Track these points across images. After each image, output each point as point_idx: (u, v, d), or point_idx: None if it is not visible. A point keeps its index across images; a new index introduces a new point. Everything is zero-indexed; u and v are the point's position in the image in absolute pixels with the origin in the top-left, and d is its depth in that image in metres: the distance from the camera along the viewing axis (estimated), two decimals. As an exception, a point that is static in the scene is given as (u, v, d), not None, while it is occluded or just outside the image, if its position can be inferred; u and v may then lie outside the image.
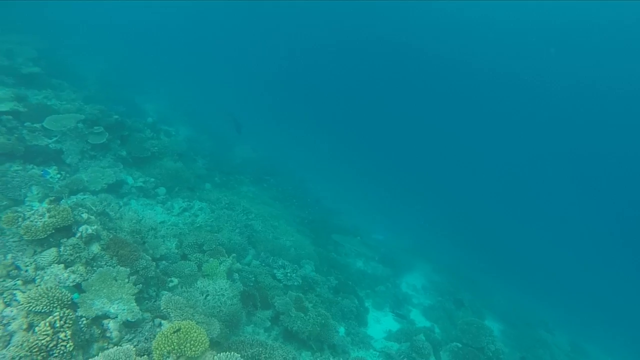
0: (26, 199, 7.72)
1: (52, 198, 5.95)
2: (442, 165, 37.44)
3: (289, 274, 9.49)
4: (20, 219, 5.77)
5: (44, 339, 4.21)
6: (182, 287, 6.69)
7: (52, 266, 5.44)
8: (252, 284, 8.18)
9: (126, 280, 5.23)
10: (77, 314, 4.67)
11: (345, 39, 49.50)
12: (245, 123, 27.43)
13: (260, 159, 20.82)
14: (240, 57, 43.08)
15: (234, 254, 8.00)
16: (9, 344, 4.37)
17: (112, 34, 32.41)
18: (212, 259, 7.53)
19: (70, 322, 4.42)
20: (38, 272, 5.44)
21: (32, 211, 5.92)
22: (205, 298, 6.49)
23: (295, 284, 9.45)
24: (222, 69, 39.02)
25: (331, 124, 36.72)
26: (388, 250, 17.80)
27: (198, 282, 6.81)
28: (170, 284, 6.83)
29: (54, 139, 9.45)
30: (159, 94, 24.52)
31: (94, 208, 7.09)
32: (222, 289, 6.79)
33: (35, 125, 9.48)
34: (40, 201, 7.83)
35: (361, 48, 49.30)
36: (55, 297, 4.63)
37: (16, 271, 5.38)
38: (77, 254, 5.68)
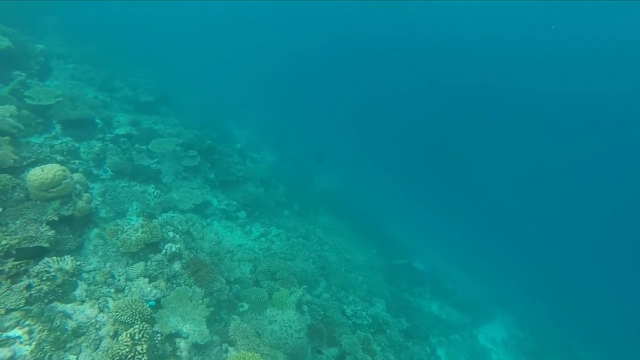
0: (127, 213, 8.57)
1: (145, 215, 6.45)
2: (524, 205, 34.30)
3: (358, 312, 9.14)
4: (119, 232, 6.35)
5: (124, 349, 4.46)
6: (251, 314, 6.76)
7: (139, 279, 5.86)
8: (320, 318, 8.00)
9: (200, 301, 5.42)
10: (154, 329, 4.90)
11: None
12: (327, 153, 28.08)
13: (339, 189, 20.95)
14: (331, 92, 44.64)
15: (305, 286, 7.94)
16: (97, 347, 4.72)
17: (212, 66, 35.86)
18: (283, 288, 7.55)
19: (147, 336, 4.65)
20: (128, 282, 5.89)
21: (129, 226, 6.50)
22: (273, 328, 6.46)
23: (365, 322, 9.06)
24: (311, 99, 40.67)
25: (410, 161, 35.93)
26: (464, 295, 16.44)
27: (267, 311, 6.83)
28: (241, 309, 6.95)
29: (155, 160, 10.48)
30: (249, 120, 26.24)
31: (180, 227, 7.60)
32: (290, 320, 6.72)
33: (142, 147, 10.64)
34: (138, 216, 8.63)
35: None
36: (137, 310, 4.93)
37: (111, 279, 5.89)
38: (161, 270, 6.06)
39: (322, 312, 8.18)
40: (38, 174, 5.62)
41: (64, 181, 5.84)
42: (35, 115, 9.48)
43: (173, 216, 8.86)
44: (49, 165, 5.81)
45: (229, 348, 5.36)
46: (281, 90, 39.52)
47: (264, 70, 43.47)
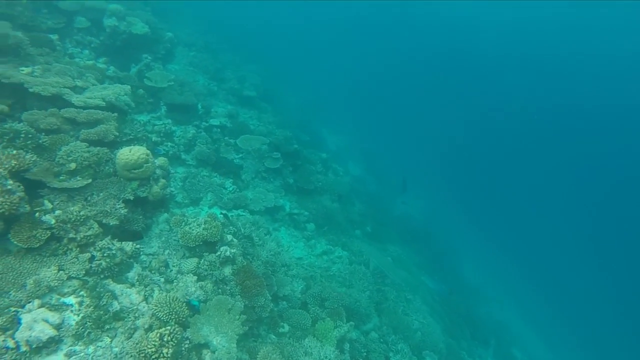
0: (201, 202, 8.89)
1: (209, 219, 6.51)
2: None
3: (405, 364, 8.30)
4: (183, 223, 6.50)
5: (150, 348, 4.43)
6: (289, 338, 6.45)
7: (188, 275, 5.89)
8: (360, 361, 7.39)
9: (237, 316, 5.24)
10: (185, 334, 4.82)
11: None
12: (416, 175, 26.91)
13: (417, 218, 19.81)
14: (431, 108, 42.93)
15: (352, 322, 7.39)
16: (130, 337, 4.79)
17: (318, 67, 36.62)
18: (329, 319, 7.11)
19: (176, 340, 4.56)
20: (178, 276, 5.97)
21: (194, 219, 6.62)
22: (306, 361, 6.06)
23: (409, 381, 8.20)
24: (409, 114, 39.49)
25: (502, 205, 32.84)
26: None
27: (306, 340, 6.45)
28: (281, 330, 6.68)
29: (240, 155, 10.78)
30: (344, 127, 26.21)
31: (242, 230, 7.60)
32: (326, 357, 6.26)
33: (231, 140, 11.04)
34: (210, 207, 8.90)
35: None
36: (175, 310, 4.90)
37: (164, 268, 6.03)
38: (211, 272, 6.04)
39: (365, 354, 7.54)
40: (125, 154, 5.96)
41: (145, 165, 6.12)
42: (148, 95, 10.37)
43: (242, 215, 8.97)
44: (136, 147, 6.14)
45: (253, 375, 5.11)
46: (381, 101, 38.97)
47: (367, 77, 43.34)
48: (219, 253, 6.26)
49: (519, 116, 44.47)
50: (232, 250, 6.38)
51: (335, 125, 25.43)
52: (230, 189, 9.56)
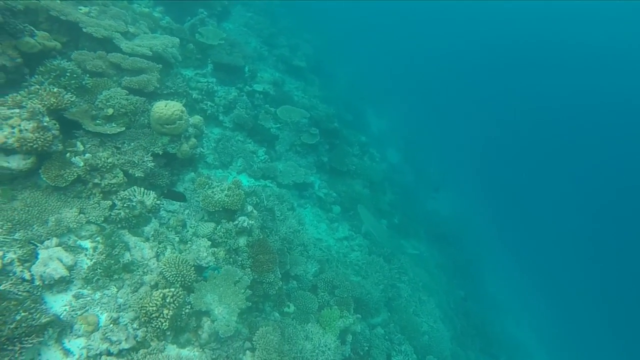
0: (230, 167, 8.86)
1: (233, 186, 6.41)
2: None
3: (405, 366, 8.11)
4: (207, 186, 6.47)
5: (152, 306, 4.46)
6: (292, 319, 6.38)
7: (203, 239, 5.88)
8: (361, 354, 7.26)
9: (242, 290, 5.17)
10: (188, 298, 4.82)
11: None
12: (455, 169, 25.82)
13: (447, 216, 19.11)
14: (479, 103, 40.71)
15: (358, 315, 7.23)
16: (136, 291, 4.85)
17: (375, 46, 35.39)
18: (336, 307, 6.97)
19: (177, 304, 4.57)
20: (193, 238, 5.97)
21: (218, 183, 6.57)
22: (305, 346, 5.98)
23: (406, 383, 8.02)
24: (458, 106, 37.73)
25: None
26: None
27: (309, 325, 6.36)
28: (286, 309, 6.62)
29: (278, 125, 10.61)
30: (390, 111, 25.40)
31: (265, 202, 7.50)
32: (326, 345, 6.15)
33: (271, 109, 10.86)
34: (239, 173, 8.85)
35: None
36: (182, 273, 4.90)
37: (181, 228, 6.05)
38: (225, 240, 6.00)
39: (367, 349, 7.40)
40: (160, 108, 5.91)
41: (179, 121, 6.06)
42: (198, 50, 10.30)
43: (269, 187, 8.87)
44: (172, 103, 6.07)
45: (248, 351, 5.06)
46: (431, 91, 37.37)
47: (422, 64, 41.55)
48: (236, 222, 6.20)
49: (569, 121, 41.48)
50: (251, 222, 6.29)
51: (382, 108, 24.66)
52: (262, 157, 9.46)
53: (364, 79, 26.06)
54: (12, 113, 4.69)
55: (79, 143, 5.34)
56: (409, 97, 31.54)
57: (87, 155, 5.26)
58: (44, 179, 4.85)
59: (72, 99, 5.27)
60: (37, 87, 5.18)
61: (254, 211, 6.59)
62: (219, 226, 6.10)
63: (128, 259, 4.99)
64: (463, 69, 45.27)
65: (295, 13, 22.22)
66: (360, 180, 12.22)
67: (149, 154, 5.91)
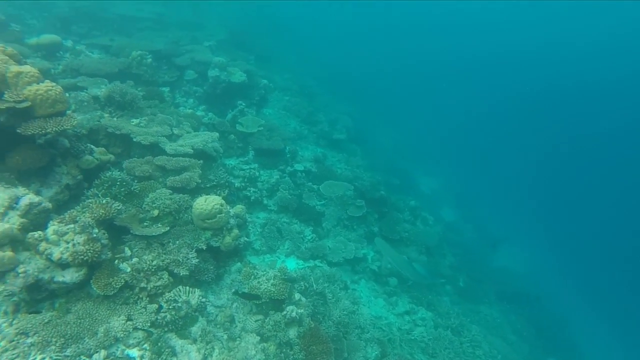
0: (278, 250, 8.73)
1: (279, 274, 6.22)
2: None
3: None
4: (252, 277, 6.32)
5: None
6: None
7: (252, 334, 5.59)
8: None
9: (294, 393, 4.70)
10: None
11: None
12: (524, 223, 23.84)
13: (522, 273, 17.29)
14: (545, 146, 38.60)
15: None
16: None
17: (415, 104, 35.70)
18: (404, 399, 6.15)
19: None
20: (242, 333, 5.71)
21: (264, 272, 6.40)
22: None
23: None
24: (516, 154, 35.97)
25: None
26: None
27: None
28: (347, 407, 5.94)
29: (322, 202, 10.54)
30: (440, 168, 24.77)
31: (314, 286, 7.16)
32: None
33: (314, 186, 10.90)
34: (287, 256, 8.68)
35: None
36: (229, 379, 4.57)
37: (229, 324, 5.83)
38: (275, 333, 5.67)
39: None
40: (200, 204, 6.06)
41: (219, 215, 6.14)
42: (239, 140, 10.87)
43: (319, 267, 8.56)
44: (211, 197, 6.22)
45: None
46: (481, 141, 36.22)
47: (469, 116, 40.94)
48: (285, 312, 5.88)
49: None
50: (299, 311, 5.94)
51: (431, 167, 24.18)
52: (310, 237, 9.29)
53: (409, 140, 26.00)
54: (67, 229, 4.98)
55: (126, 248, 5.51)
56: (458, 151, 30.86)
57: (134, 259, 5.38)
58: (95, 288, 4.96)
59: (119, 208, 5.55)
60: (90, 200, 5.53)
61: (302, 298, 6.27)
62: (267, 318, 5.82)
63: (174, 367, 4.78)
64: (514, 116, 43.97)
65: (331, 89, 23.32)
66: (415, 246, 11.54)
67: (193, 251, 5.95)
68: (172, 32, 15.97)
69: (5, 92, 5.45)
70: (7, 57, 5.82)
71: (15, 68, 5.55)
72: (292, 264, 8.50)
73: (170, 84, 12.24)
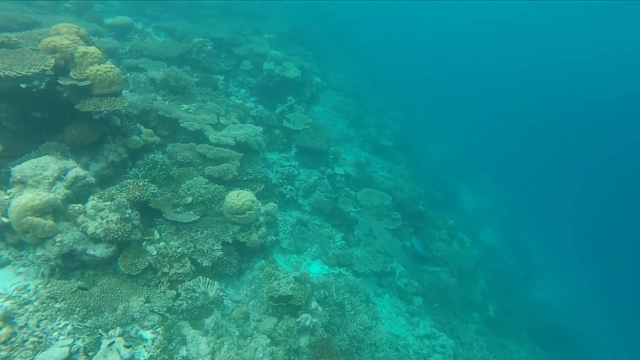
0: (305, 252, 8.68)
1: (300, 279, 6.16)
2: None
3: None
4: (273, 278, 6.30)
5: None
6: None
7: (263, 336, 5.58)
8: None
9: (294, 405, 4.63)
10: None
11: None
12: (568, 255, 22.14)
13: (558, 311, 16.07)
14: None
15: None
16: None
17: (472, 115, 34.22)
18: None
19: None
20: (254, 333, 5.72)
21: (284, 275, 6.37)
22: None
23: None
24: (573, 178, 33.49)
25: None
26: None
27: None
28: None
29: (358, 209, 10.34)
30: (487, 186, 23.62)
31: (334, 295, 7.03)
32: None
33: (352, 192, 10.73)
34: (314, 259, 8.61)
35: None
36: (231, 378, 4.58)
37: (243, 321, 5.85)
38: (286, 338, 5.62)
39: None
40: (232, 198, 6.12)
41: (248, 211, 6.17)
42: (283, 135, 10.91)
43: (343, 275, 8.41)
44: (244, 192, 6.25)
45: None
46: (535, 158, 34.02)
47: (526, 130, 38.60)
48: (299, 319, 5.81)
49: None
50: (314, 320, 5.85)
51: (478, 183, 23.09)
52: (339, 243, 9.16)
53: (458, 153, 25.01)
54: (104, 205, 5.21)
55: (156, 232, 5.68)
56: (509, 169, 29.23)
57: (161, 244, 5.53)
58: (120, 266, 5.16)
59: (154, 191, 5.73)
60: (128, 181, 5.76)
61: (319, 308, 6.16)
62: (281, 322, 5.78)
63: (183, 355, 4.87)
64: (580, 132, 40.83)
65: (384, 92, 22.89)
66: (446, 268, 11.06)
67: (219, 243, 6.03)
68: (236, 21, 16.32)
69: (72, 70, 5.77)
70: (79, 38, 6.14)
71: (82, 48, 5.85)
72: (317, 268, 8.41)
73: (225, 73, 12.53)
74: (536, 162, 33.99)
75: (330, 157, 11.65)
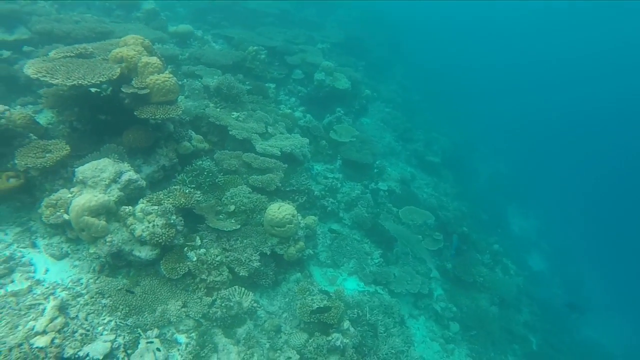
0: (342, 267, 8.61)
1: (334, 297, 6.10)
2: None
3: None
4: (307, 294, 6.30)
5: None
6: None
7: (292, 351, 5.59)
8: None
9: None
10: None
11: None
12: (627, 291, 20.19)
13: (614, 353, 14.73)
14: None
15: None
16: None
17: (525, 133, 32.40)
18: None
19: None
20: (284, 347, 5.73)
21: (318, 291, 6.34)
22: None
23: None
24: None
25: None
26: None
27: None
28: None
29: (400, 227, 10.10)
30: (538, 209, 22.25)
31: (367, 316, 6.90)
32: None
33: (394, 208, 10.51)
34: (350, 275, 8.51)
35: None
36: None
37: (274, 333, 5.89)
38: (315, 357, 5.58)
39: None
40: (273, 210, 6.20)
41: (288, 225, 6.21)
42: (329, 146, 10.96)
43: (379, 294, 8.25)
44: (285, 206, 6.32)
45: None
46: (596, 181, 31.35)
47: (588, 150, 35.79)
48: (330, 338, 5.75)
49: None
50: (345, 341, 5.77)
51: (528, 206, 21.83)
52: (377, 260, 9.00)
53: (510, 171, 23.77)
54: (152, 209, 5.48)
55: (198, 238, 5.88)
56: (565, 190, 27.33)
57: (202, 250, 5.71)
58: (162, 269, 5.39)
59: (198, 199, 5.93)
60: (175, 187, 6.01)
61: (351, 328, 6.07)
62: (312, 339, 5.76)
63: (213, 363, 4.98)
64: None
65: (435, 106, 22.32)
66: (487, 294, 10.51)
67: (257, 253, 6.12)
68: (292, 29, 16.64)
69: (134, 78, 6.14)
70: (143, 49, 6.53)
71: (145, 59, 6.21)
72: (353, 284, 8.31)
73: (277, 81, 12.78)
74: (600, 189, 31.42)
75: (375, 171, 11.51)
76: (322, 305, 5.97)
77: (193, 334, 5.14)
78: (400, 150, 14.57)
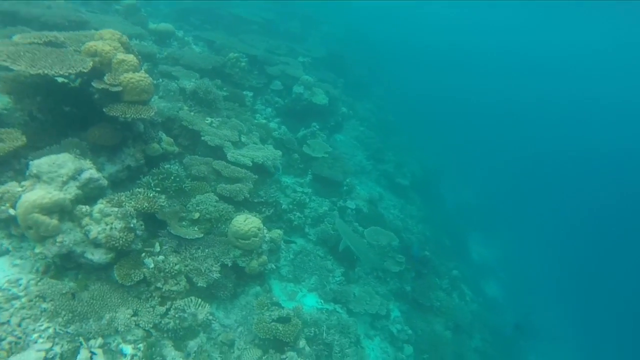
0: (303, 283, 8.53)
1: (296, 308, 6.01)
2: None
3: None
4: (265, 309, 6.19)
5: None
6: None
7: (245, 368, 5.44)
8: None
9: None
10: None
11: None
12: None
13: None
14: None
15: None
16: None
17: (495, 162, 33.40)
18: None
19: None
20: (236, 363, 5.57)
21: (276, 308, 6.24)
22: None
23: None
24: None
25: None
26: None
27: None
28: None
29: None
30: (499, 238, 22.93)
31: (324, 335, 6.84)
32: None
33: (360, 227, 10.58)
34: (310, 291, 8.44)
35: None
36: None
37: (228, 348, 5.72)
38: (267, 376, 5.45)
39: None
40: (239, 222, 6.09)
41: (253, 238, 6.12)
42: (301, 161, 10.94)
43: (337, 313, 8.21)
44: (252, 219, 6.22)
45: None
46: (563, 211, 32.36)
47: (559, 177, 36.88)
48: (284, 357, 5.65)
49: None
50: (298, 360, 5.69)
51: (490, 235, 22.51)
52: (338, 278, 8.98)
53: (476, 200, 24.45)
54: (112, 211, 5.24)
55: (157, 244, 5.67)
56: (526, 227, 28.30)
57: (160, 257, 5.51)
58: (115, 275, 5.14)
59: (162, 204, 5.75)
60: (139, 190, 5.79)
61: (306, 347, 6.00)
62: (265, 356, 5.63)
63: (160, 377, 4.77)
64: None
65: (409, 130, 22.81)
66: (443, 319, 10.69)
67: (218, 264, 5.97)
68: (275, 40, 16.68)
69: (107, 74, 5.93)
70: (120, 45, 6.33)
71: (120, 56, 6.01)
72: (312, 301, 8.24)
73: (255, 90, 12.72)
74: (564, 224, 32.54)
75: (345, 188, 11.58)
76: (284, 315, 5.89)
77: (140, 345, 4.90)
78: (371, 169, 14.77)
